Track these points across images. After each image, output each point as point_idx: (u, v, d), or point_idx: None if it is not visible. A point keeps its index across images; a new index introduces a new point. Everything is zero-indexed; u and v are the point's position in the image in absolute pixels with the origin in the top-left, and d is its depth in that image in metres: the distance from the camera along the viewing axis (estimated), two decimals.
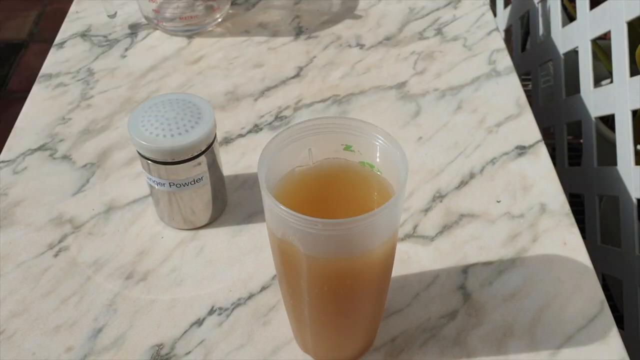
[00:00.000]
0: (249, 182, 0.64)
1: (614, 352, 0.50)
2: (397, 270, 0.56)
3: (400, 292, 0.54)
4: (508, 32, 1.22)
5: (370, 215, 0.36)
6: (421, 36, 0.81)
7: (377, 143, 0.41)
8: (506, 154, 0.66)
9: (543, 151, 0.66)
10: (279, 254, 0.41)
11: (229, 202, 0.62)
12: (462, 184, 0.63)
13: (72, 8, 0.86)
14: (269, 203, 0.37)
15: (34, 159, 0.66)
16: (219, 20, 0.82)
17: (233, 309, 0.53)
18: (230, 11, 0.85)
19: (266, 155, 0.40)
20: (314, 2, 0.86)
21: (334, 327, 0.46)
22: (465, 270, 0.56)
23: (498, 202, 0.61)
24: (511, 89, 0.74)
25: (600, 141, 0.83)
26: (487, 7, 0.85)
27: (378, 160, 0.42)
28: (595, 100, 0.80)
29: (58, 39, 0.81)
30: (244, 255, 0.57)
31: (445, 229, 0.59)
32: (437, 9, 0.85)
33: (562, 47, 0.90)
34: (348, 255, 0.39)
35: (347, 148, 0.43)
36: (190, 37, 0.81)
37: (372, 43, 0.80)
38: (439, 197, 0.62)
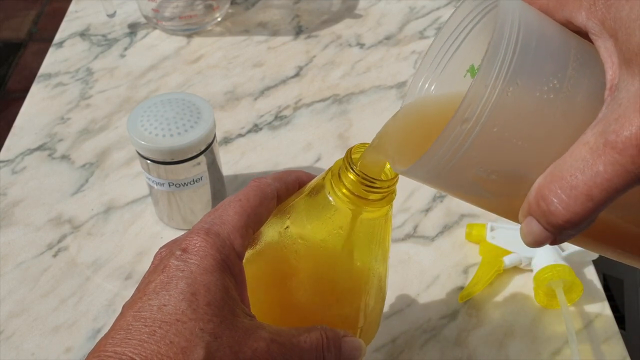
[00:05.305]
0: (248, 182, 0.63)
1: (614, 352, 0.50)
2: (397, 271, 0.56)
3: (401, 292, 0.54)
4: None
5: None
6: (422, 35, 0.81)
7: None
8: None
9: None
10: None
11: None
12: None
13: (71, 7, 0.86)
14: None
15: (32, 158, 0.66)
16: (219, 19, 0.82)
17: None
18: (230, 10, 0.84)
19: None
20: (314, 1, 0.86)
21: None
22: (466, 270, 0.56)
23: None
24: None
25: None
26: None
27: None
28: None
29: (57, 39, 0.81)
30: None
31: (445, 229, 0.59)
32: (438, 8, 0.84)
33: None
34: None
35: (473, 71, 0.29)
36: (189, 36, 0.81)
37: (372, 42, 0.80)
38: (439, 197, 0.62)
